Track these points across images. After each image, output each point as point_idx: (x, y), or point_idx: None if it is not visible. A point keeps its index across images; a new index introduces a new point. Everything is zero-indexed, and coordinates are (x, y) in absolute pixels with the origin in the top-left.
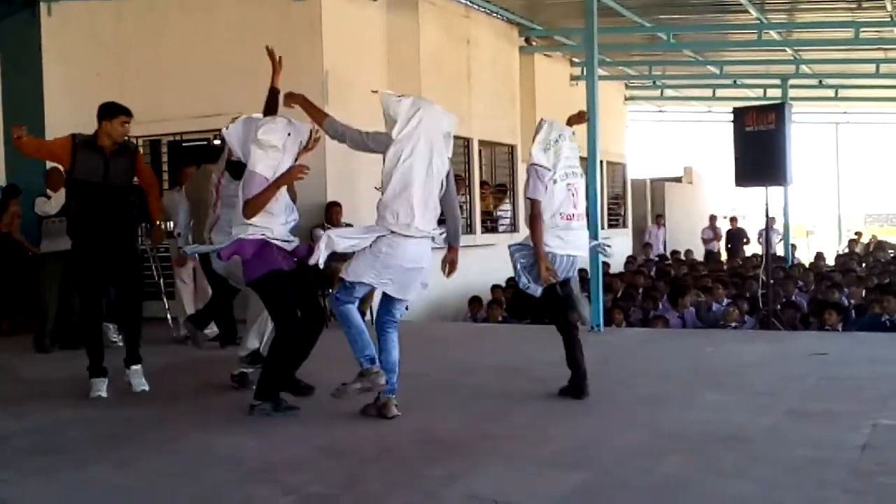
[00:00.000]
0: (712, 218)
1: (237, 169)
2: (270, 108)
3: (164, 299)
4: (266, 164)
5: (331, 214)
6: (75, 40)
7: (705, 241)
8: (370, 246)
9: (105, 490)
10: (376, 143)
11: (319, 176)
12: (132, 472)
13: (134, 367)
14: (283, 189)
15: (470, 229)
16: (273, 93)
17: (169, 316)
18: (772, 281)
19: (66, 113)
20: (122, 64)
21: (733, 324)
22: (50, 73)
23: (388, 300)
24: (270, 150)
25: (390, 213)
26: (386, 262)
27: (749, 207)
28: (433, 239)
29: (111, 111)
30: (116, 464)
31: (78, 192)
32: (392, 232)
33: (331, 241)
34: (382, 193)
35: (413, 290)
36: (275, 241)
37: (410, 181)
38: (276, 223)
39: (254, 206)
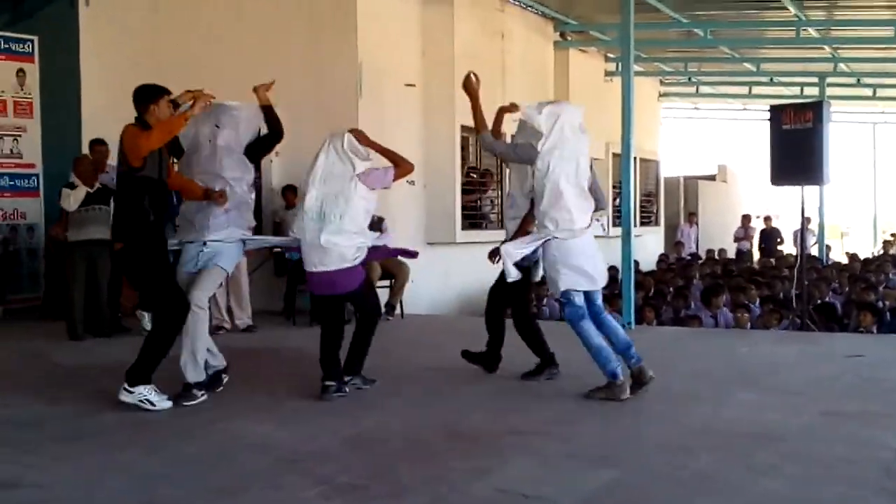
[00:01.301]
0: (745, 218)
1: (171, 148)
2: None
3: None
4: None
5: None
6: (111, 31)
7: (736, 240)
8: (545, 257)
9: (135, 476)
10: (521, 155)
11: None
12: (162, 459)
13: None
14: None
15: (501, 224)
16: (266, 109)
17: None
18: (806, 282)
19: (102, 102)
20: (155, 55)
21: (748, 325)
22: (87, 63)
23: (585, 296)
24: None
25: (549, 220)
26: (565, 261)
27: (782, 207)
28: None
29: (156, 93)
30: (146, 450)
31: (150, 192)
32: (555, 237)
33: (510, 254)
34: (537, 202)
35: (601, 278)
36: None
37: (562, 189)
38: None
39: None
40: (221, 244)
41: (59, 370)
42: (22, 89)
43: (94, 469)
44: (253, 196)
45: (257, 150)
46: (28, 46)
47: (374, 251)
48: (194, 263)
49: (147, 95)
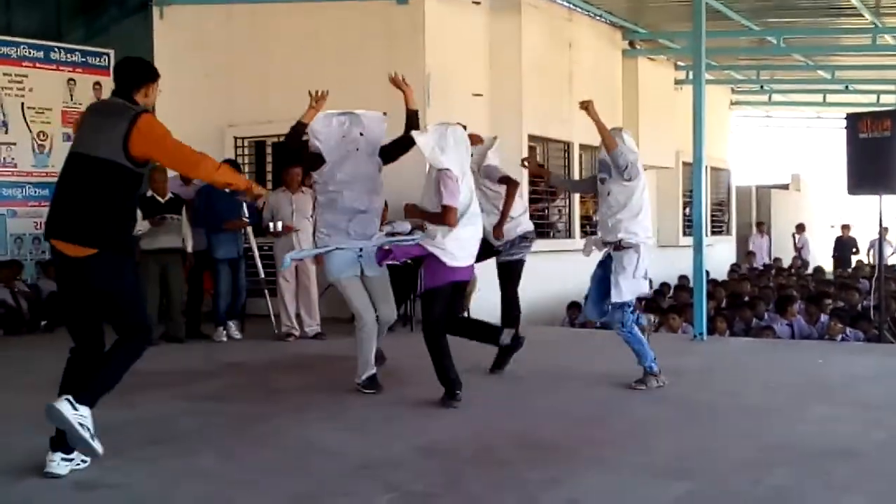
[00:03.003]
0: (798, 227)
1: (313, 161)
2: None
3: (267, 296)
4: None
5: None
6: (186, 43)
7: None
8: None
9: (212, 480)
10: (632, 172)
11: None
12: (238, 464)
13: None
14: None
15: (569, 234)
16: (411, 114)
17: (271, 313)
18: (884, 293)
19: (176, 113)
20: (229, 66)
21: (839, 337)
22: (161, 74)
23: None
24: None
25: (644, 229)
26: (641, 267)
27: (858, 217)
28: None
29: (155, 75)
30: (223, 455)
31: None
32: (644, 244)
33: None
34: (630, 213)
35: None
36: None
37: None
38: None
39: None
40: (369, 250)
41: (135, 375)
42: None
43: (172, 473)
44: None
45: (394, 152)
46: (104, 60)
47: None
48: (355, 270)
49: (147, 73)
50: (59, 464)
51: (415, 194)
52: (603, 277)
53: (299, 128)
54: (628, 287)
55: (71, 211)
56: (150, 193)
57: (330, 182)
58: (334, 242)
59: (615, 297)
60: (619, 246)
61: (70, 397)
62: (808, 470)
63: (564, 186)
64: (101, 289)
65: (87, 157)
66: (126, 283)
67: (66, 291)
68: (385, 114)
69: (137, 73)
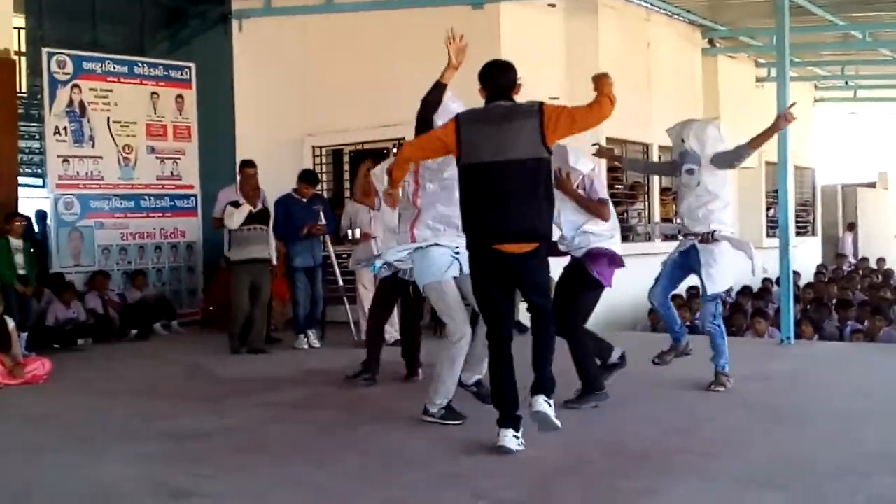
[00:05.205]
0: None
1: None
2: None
3: (346, 304)
4: None
5: None
6: (264, 54)
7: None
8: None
9: (303, 489)
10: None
11: None
12: (327, 472)
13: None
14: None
15: (648, 237)
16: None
17: (351, 321)
18: None
19: (255, 124)
20: (306, 76)
21: None
22: (240, 86)
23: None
24: None
25: (731, 220)
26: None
27: None
28: None
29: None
30: (312, 463)
31: None
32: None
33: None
34: (723, 203)
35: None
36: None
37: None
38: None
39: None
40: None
41: (223, 384)
42: (181, 114)
43: (264, 481)
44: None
45: None
46: (186, 73)
47: None
48: (454, 270)
49: (515, 75)
50: (510, 439)
51: None
52: (679, 267)
53: (440, 90)
54: (723, 279)
55: (512, 214)
56: (242, 202)
57: (446, 168)
58: (445, 238)
59: (710, 290)
60: (709, 238)
61: (543, 398)
62: None
63: (637, 169)
64: (534, 281)
65: (505, 164)
66: (547, 275)
67: (497, 286)
68: None
69: (514, 76)
